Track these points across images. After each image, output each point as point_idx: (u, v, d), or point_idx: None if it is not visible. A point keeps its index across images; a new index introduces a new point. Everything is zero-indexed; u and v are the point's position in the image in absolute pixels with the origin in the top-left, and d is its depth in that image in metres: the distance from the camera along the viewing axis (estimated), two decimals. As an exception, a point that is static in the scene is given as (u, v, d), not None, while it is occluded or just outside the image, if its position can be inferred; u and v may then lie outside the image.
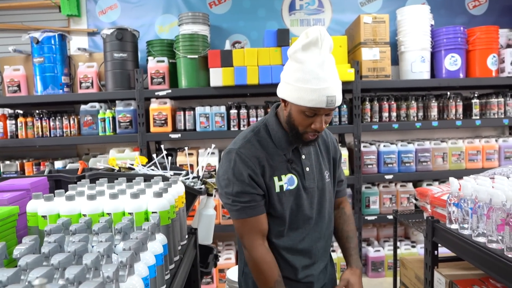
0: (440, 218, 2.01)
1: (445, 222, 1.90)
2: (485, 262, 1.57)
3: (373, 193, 3.84)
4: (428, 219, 1.99)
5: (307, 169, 1.53)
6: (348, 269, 1.59)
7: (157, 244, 1.18)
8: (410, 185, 3.92)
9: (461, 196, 1.77)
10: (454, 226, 1.82)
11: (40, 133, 3.74)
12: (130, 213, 1.31)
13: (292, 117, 1.42)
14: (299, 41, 1.37)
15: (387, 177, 3.76)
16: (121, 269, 0.87)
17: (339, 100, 1.37)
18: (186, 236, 1.71)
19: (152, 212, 1.31)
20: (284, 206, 1.49)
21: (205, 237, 2.08)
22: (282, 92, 1.43)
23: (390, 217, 3.68)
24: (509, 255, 1.45)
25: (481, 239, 1.63)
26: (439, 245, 1.98)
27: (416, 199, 2.40)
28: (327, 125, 1.45)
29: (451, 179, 1.87)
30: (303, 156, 1.54)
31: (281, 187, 1.48)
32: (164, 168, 2.11)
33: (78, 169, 2.33)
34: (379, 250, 3.86)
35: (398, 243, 3.78)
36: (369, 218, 3.79)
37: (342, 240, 1.69)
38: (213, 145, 2.28)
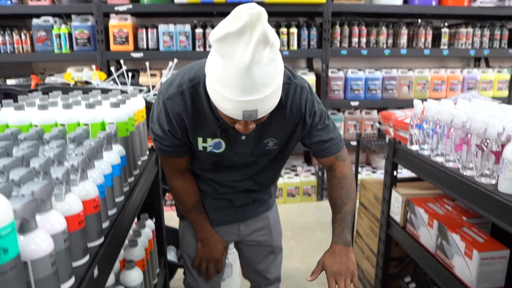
0: (402, 141, 2.05)
1: (406, 144, 1.94)
2: (442, 180, 1.62)
3: (337, 119, 3.87)
4: (390, 141, 2.02)
5: (243, 137, 1.29)
6: (327, 249, 1.34)
7: (114, 154, 1.13)
8: (375, 112, 3.97)
9: (423, 118, 1.79)
10: (414, 147, 1.87)
11: (-11, 48, 3.46)
12: (85, 124, 1.24)
13: (218, 109, 1.13)
14: (223, 26, 0.98)
15: (353, 103, 3.78)
16: (72, 172, 0.82)
17: (264, 111, 1.06)
18: (148, 153, 1.66)
19: (109, 123, 1.24)
20: (207, 161, 1.37)
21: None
22: (206, 81, 1.11)
23: (354, 143, 3.76)
24: (464, 173, 1.51)
25: (439, 159, 1.68)
26: (399, 168, 2.04)
27: (380, 123, 2.43)
28: (255, 126, 1.15)
29: (415, 101, 1.88)
30: None
31: (205, 148, 1.32)
32: (124, 84, 2.01)
33: (30, 84, 2.19)
34: (340, 175, 3.96)
35: (360, 169, 3.89)
36: (333, 144, 3.84)
37: (332, 210, 1.43)
38: (175, 60, 2.17)
